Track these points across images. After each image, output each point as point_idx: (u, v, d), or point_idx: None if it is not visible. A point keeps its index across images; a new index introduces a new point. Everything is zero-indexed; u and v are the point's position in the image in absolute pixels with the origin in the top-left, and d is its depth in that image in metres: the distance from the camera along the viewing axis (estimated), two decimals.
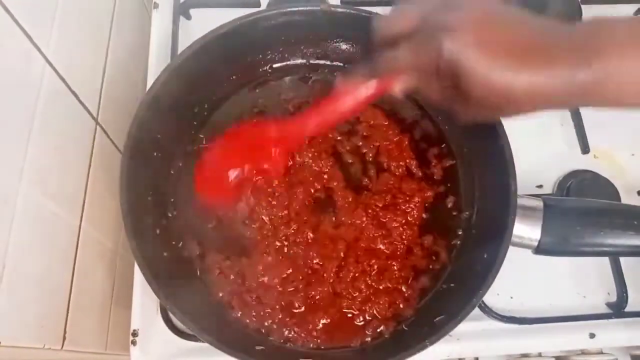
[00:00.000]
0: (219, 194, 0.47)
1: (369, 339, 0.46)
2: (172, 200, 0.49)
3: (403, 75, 0.36)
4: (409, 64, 0.35)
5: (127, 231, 0.41)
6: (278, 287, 0.46)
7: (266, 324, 0.45)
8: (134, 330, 0.47)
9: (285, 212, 0.49)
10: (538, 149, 0.57)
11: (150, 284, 0.40)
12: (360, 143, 0.52)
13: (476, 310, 0.42)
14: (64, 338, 0.42)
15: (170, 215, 0.49)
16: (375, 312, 0.46)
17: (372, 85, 0.39)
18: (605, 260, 0.53)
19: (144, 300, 0.48)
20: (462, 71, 0.32)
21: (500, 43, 0.32)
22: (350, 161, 0.51)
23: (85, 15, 0.47)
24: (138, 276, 0.49)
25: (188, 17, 0.60)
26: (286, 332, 0.45)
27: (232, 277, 0.46)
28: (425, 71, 0.34)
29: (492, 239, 0.43)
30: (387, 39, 0.37)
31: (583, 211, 0.43)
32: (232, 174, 0.45)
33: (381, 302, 0.46)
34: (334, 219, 0.49)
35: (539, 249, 0.42)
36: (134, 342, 0.47)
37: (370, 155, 0.52)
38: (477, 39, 0.32)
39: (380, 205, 0.49)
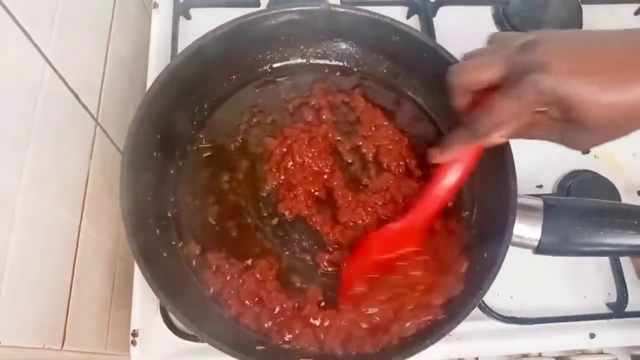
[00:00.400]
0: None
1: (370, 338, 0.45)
2: (172, 200, 0.49)
3: (506, 126, 0.35)
4: (512, 113, 0.34)
5: (127, 232, 0.41)
6: (277, 288, 0.46)
7: (267, 325, 0.45)
8: (134, 330, 0.47)
9: (287, 211, 0.49)
10: (538, 149, 0.55)
11: (151, 284, 0.40)
12: (360, 143, 0.52)
13: (476, 310, 0.42)
14: (64, 338, 0.42)
15: (170, 215, 0.48)
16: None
17: (476, 148, 0.38)
18: (606, 260, 0.53)
19: (144, 300, 0.48)
20: (570, 103, 0.31)
21: (598, 64, 0.31)
22: (350, 161, 0.51)
23: (85, 15, 0.47)
24: (138, 276, 0.49)
25: (188, 17, 0.60)
26: (287, 333, 0.45)
27: (232, 277, 0.46)
28: (530, 115, 0.33)
29: (492, 239, 0.43)
30: (470, 92, 0.36)
31: (583, 211, 0.43)
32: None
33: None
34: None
35: (539, 249, 0.42)
36: (134, 342, 0.47)
37: (370, 155, 0.52)
38: (573, 67, 0.31)
39: (380, 203, 0.49)
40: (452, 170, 0.41)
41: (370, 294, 0.44)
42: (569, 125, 0.33)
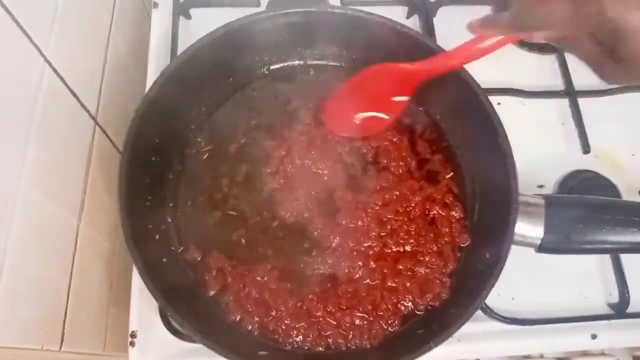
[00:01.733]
0: (344, 128, 0.50)
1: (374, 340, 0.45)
2: (171, 205, 0.49)
3: (554, 29, 0.34)
4: (564, 23, 0.33)
5: (126, 237, 0.41)
6: (280, 290, 0.46)
7: (271, 328, 0.45)
8: (133, 332, 0.47)
9: (287, 213, 0.49)
10: (539, 149, 0.56)
11: (151, 291, 0.40)
12: (360, 143, 0.52)
13: (478, 312, 0.42)
14: (62, 339, 0.42)
15: (169, 220, 0.48)
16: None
17: (513, 36, 0.38)
18: (607, 260, 0.53)
19: (143, 301, 0.48)
20: (626, 34, 0.30)
21: None
22: (349, 162, 0.51)
23: (85, 15, 0.47)
24: (136, 277, 0.48)
25: (188, 17, 0.60)
26: (289, 335, 0.45)
27: (233, 281, 0.46)
28: (581, 31, 0.32)
29: (494, 239, 0.43)
30: None
31: (585, 209, 0.43)
32: (356, 115, 0.48)
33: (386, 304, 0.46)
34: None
35: (542, 247, 0.42)
36: (132, 343, 0.47)
37: (370, 156, 0.52)
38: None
39: (380, 204, 0.49)
40: (477, 46, 0.41)
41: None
42: (612, 56, 0.32)
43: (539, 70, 0.62)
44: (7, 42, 0.34)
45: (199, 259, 0.47)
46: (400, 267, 0.47)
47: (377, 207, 0.49)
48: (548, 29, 0.35)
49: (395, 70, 0.47)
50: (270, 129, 0.52)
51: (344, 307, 0.45)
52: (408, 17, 0.63)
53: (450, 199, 0.50)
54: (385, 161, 0.51)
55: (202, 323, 0.42)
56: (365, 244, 0.48)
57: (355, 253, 0.47)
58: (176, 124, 0.50)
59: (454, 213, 0.49)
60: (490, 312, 0.49)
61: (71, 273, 0.44)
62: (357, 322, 0.45)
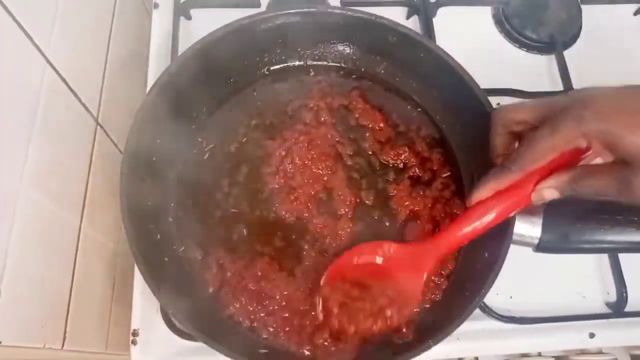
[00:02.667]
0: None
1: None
2: (173, 205, 0.49)
3: (543, 160, 0.33)
4: (550, 146, 0.32)
5: (128, 238, 0.41)
6: (282, 290, 0.46)
7: (271, 329, 0.45)
8: (134, 330, 0.47)
9: (287, 213, 0.49)
10: None
11: (153, 290, 0.40)
12: (360, 144, 0.52)
13: (476, 310, 0.42)
14: (65, 337, 0.42)
15: (171, 220, 0.48)
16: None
17: (515, 193, 0.36)
18: (605, 259, 0.54)
19: (144, 299, 0.48)
20: (612, 136, 0.30)
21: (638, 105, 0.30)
22: (350, 163, 0.51)
23: (85, 15, 0.47)
24: (138, 276, 0.49)
25: (188, 17, 0.60)
26: (290, 336, 0.45)
27: (234, 280, 0.46)
28: (571, 151, 0.32)
29: (493, 238, 0.43)
30: (509, 131, 0.35)
31: (583, 208, 0.43)
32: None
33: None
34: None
35: (540, 247, 0.43)
36: (134, 342, 0.47)
37: (370, 156, 0.52)
38: (614, 105, 0.30)
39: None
40: (483, 213, 0.39)
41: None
42: (626, 168, 0.31)
43: (539, 70, 0.62)
44: (8, 42, 0.35)
45: (200, 258, 0.47)
46: None
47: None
48: (539, 161, 0.34)
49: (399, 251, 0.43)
50: (270, 129, 0.52)
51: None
52: (408, 17, 0.63)
53: (450, 197, 0.50)
54: (385, 161, 0.51)
55: (204, 321, 0.42)
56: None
57: None
58: (177, 124, 0.50)
59: (455, 211, 0.49)
60: (488, 311, 0.49)
61: (73, 272, 0.44)
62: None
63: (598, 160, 0.34)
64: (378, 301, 0.42)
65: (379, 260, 0.44)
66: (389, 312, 0.42)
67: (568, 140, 0.32)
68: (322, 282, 0.45)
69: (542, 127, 0.33)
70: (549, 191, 0.35)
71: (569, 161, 0.35)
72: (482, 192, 0.38)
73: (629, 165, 0.31)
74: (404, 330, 0.44)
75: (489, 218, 0.39)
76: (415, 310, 0.43)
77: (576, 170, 0.34)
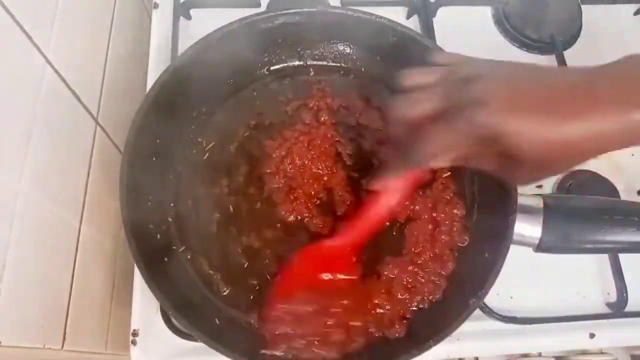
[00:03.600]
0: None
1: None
2: (172, 205, 0.49)
3: (440, 157, 0.35)
4: (445, 145, 0.34)
5: (128, 238, 0.41)
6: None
7: (275, 331, 0.45)
8: (134, 330, 0.47)
9: (287, 213, 0.49)
10: None
11: (152, 290, 0.40)
12: (360, 144, 0.52)
13: (476, 310, 0.42)
14: (64, 338, 0.42)
15: (170, 220, 0.48)
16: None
17: (411, 175, 0.39)
18: (605, 260, 0.54)
19: (144, 299, 0.48)
20: (506, 138, 0.30)
21: (538, 100, 0.30)
22: (349, 163, 0.51)
23: (85, 15, 0.47)
24: (138, 276, 0.49)
25: (188, 17, 0.60)
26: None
27: (234, 279, 0.46)
28: (466, 148, 0.33)
29: (493, 238, 0.43)
30: (409, 124, 0.36)
31: (584, 209, 0.43)
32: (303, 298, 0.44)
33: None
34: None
35: (540, 247, 0.43)
36: (134, 342, 0.47)
37: (370, 156, 0.52)
38: (509, 104, 0.30)
39: None
40: (388, 196, 0.42)
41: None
42: (511, 160, 0.32)
43: None
44: (8, 42, 0.35)
45: (200, 257, 0.47)
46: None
47: None
48: (435, 157, 0.35)
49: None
50: (270, 129, 0.52)
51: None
52: (408, 17, 0.63)
53: (451, 197, 0.50)
54: (385, 162, 0.51)
55: (204, 322, 0.42)
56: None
57: None
58: (177, 124, 0.50)
59: (456, 211, 0.49)
60: (489, 311, 0.49)
61: (73, 272, 0.44)
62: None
63: None
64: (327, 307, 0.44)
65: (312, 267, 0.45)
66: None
67: (463, 140, 0.33)
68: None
69: (440, 126, 0.33)
70: (435, 165, 0.36)
71: None
72: (384, 182, 0.41)
73: (511, 159, 0.32)
74: (397, 326, 0.44)
75: (390, 202, 0.42)
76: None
77: (464, 155, 0.35)
